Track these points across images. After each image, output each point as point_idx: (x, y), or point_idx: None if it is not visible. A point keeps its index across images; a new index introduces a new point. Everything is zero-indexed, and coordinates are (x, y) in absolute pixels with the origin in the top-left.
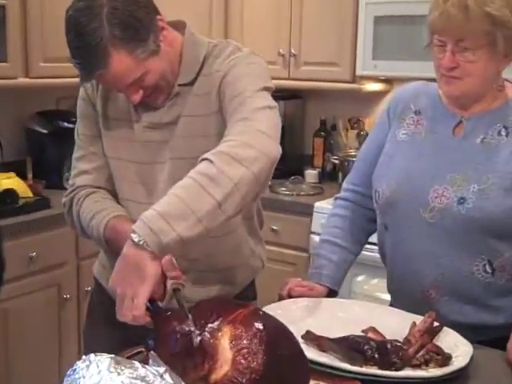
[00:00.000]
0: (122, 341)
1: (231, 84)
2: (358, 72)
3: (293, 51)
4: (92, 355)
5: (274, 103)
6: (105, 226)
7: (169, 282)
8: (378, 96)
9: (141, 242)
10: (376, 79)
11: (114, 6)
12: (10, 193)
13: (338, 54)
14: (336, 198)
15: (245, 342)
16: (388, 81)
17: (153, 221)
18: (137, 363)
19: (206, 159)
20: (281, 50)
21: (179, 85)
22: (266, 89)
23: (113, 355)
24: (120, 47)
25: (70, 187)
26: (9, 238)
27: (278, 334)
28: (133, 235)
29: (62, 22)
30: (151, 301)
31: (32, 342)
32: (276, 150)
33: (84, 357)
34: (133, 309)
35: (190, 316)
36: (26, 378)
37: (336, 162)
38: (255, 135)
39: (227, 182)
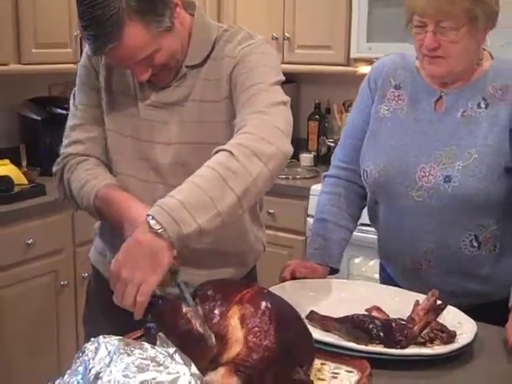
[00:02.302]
0: (122, 328)
1: (245, 73)
2: (353, 54)
3: (286, 35)
4: (101, 337)
5: (287, 98)
6: (95, 195)
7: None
8: None
9: (160, 231)
10: (370, 62)
11: None
12: (5, 180)
13: (332, 37)
14: (325, 176)
15: (255, 320)
16: None
17: (175, 210)
18: (146, 344)
19: (227, 151)
20: (274, 34)
21: (187, 66)
22: (279, 82)
23: (121, 337)
24: (136, 20)
25: (61, 155)
26: (5, 225)
27: (285, 311)
28: (151, 221)
29: (54, 8)
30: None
31: (30, 328)
32: (290, 148)
33: (93, 339)
34: (137, 295)
35: (193, 303)
36: (24, 363)
37: (331, 144)
38: (273, 132)
39: (247, 177)
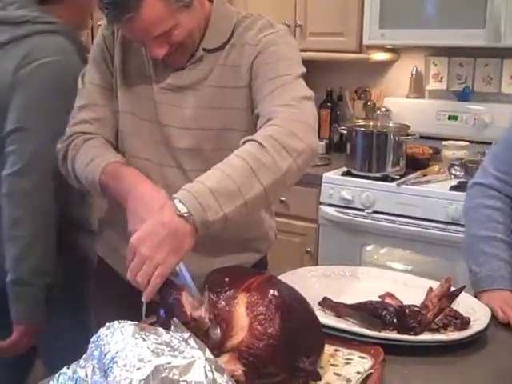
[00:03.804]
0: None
1: (270, 63)
2: (365, 41)
3: (298, 22)
4: (116, 322)
5: (312, 93)
6: (102, 171)
7: None
8: (384, 66)
9: (186, 215)
10: (383, 48)
11: None
12: None
13: (345, 24)
14: (478, 184)
15: (261, 308)
16: (395, 50)
17: (203, 196)
18: (161, 329)
19: (257, 142)
20: (286, 21)
21: (204, 49)
22: (303, 75)
23: (136, 322)
24: None
25: (66, 134)
26: None
27: (292, 300)
28: (179, 205)
29: None
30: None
31: None
32: (318, 144)
33: (108, 324)
34: (154, 275)
35: (196, 290)
36: None
37: (343, 132)
38: (303, 127)
39: (277, 171)
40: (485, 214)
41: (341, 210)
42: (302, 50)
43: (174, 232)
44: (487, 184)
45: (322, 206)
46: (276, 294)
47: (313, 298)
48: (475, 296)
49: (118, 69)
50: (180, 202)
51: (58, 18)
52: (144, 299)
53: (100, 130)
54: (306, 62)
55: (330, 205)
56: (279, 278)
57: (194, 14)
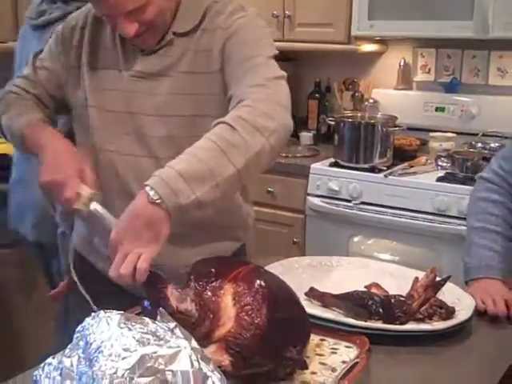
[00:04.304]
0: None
1: (241, 45)
2: (354, 32)
3: (287, 12)
4: (101, 312)
5: (284, 73)
6: (28, 124)
7: (85, 189)
8: (373, 57)
9: (158, 201)
10: (371, 40)
11: None
12: (3, 157)
13: (333, 15)
14: (479, 178)
15: (248, 298)
16: (383, 41)
17: (173, 180)
18: (147, 319)
19: (227, 124)
20: (275, 12)
21: (174, 33)
22: (275, 57)
23: (122, 311)
24: None
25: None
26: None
27: (279, 291)
28: (150, 192)
29: None
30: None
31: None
32: (291, 123)
33: (93, 313)
34: (139, 262)
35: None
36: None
37: (331, 123)
38: (275, 106)
39: (249, 151)
40: (480, 206)
41: (328, 200)
42: (291, 41)
43: (149, 221)
44: (487, 177)
45: (309, 197)
46: (262, 284)
47: (299, 289)
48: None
49: (85, 64)
50: (151, 188)
51: None
52: (138, 282)
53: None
54: (295, 53)
55: (318, 196)
56: (266, 268)
57: None
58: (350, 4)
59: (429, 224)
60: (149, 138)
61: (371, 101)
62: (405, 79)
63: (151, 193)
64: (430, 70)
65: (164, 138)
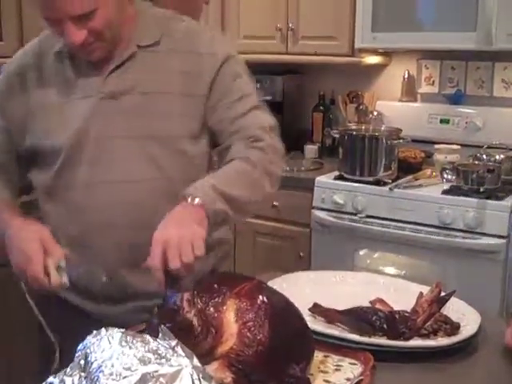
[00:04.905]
0: None
1: (233, 82)
2: (357, 45)
3: (290, 25)
4: (103, 330)
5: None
6: None
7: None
8: (377, 69)
9: (201, 203)
10: (375, 52)
11: None
12: None
13: (336, 28)
14: None
15: (250, 315)
16: (387, 53)
17: (210, 191)
18: (148, 337)
19: (248, 160)
20: (278, 25)
21: (138, 46)
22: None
23: (123, 329)
24: None
25: None
26: None
27: (282, 307)
28: (195, 198)
29: None
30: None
31: None
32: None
33: (95, 331)
34: (194, 249)
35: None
36: None
37: (336, 136)
38: (279, 156)
39: (262, 191)
40: None
41: (333, 214)
42: (295, 54)
43: (189, 211)
44: None
45: (314, 210)
46: (265, 300)
47: (303, 304)
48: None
49: (35, 103)
50: (192, 195)
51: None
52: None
53: None
54: (299, 66)
55: (323, 209)
56: (270, 283)
57: (116, 4)
58: (354, 16)
59: (434, 237)
60: (118, 161)
61: (375, 113)
62: (409, 91)
63: (196, 199)
64: (434, 81)
65: (142, 160)
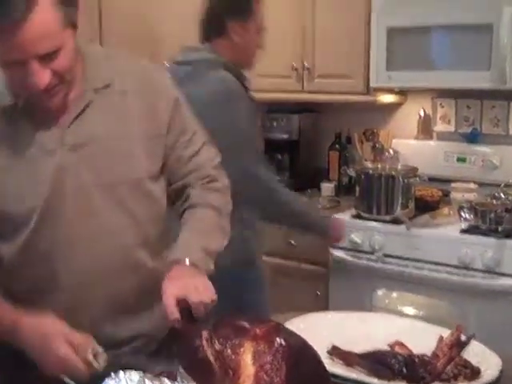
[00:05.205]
0: None
1: (186, 119)
2: (372, 84)
3: (306, 64)
4: (121, 372)
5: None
6: None
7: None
8: (392, 108)
9: (198, 264)
10: (390, 91)
11: None
12: None
13: (352, 66)
14: None
15: (267, 357)
16: (402, 92)
17: (200, 253)
18: (166, 379)
19: (213, 207)
20: (294, 64)
21: (95, 90)
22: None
23: (142, 372)
24: None
25: None
26: None
27: (299, 349)
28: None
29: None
30: (186, 309)
31: None
32: None
33: (113, 374)
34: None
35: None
36: None
37: (352, 174)
38: (229, 192)
39: (227, 234)
40: None
41: (351, 253)
42: (310, 92)
43: (187, 269)
44: None
45: (331, 249)
46: (283, 343)
47: (321, 346)
48: None
49: None
50: (187, 259)
51: (225, 54)
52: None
53: None
54: (315, 104)
55: (340, 248)
56: (287, 324)
57: (74, 44)
58: (368, 55)
59: (453, 277)
60: (99, 211)
61: (391, 151)
62: (425, 129)
63: (187, 259)
64: (449, 120)
65: (115, 206)
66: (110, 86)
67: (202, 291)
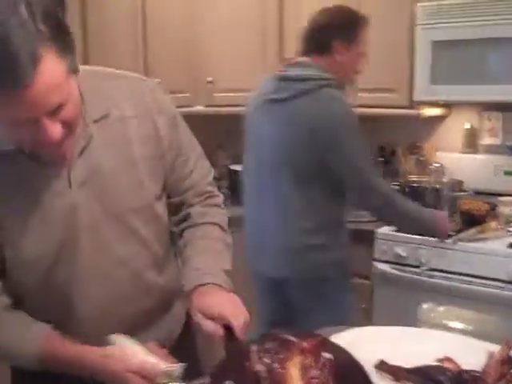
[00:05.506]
0: None
1: (184, 137)
2: (416, 97)
3: None
4: None
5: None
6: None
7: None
8: (436, 121)
9: (225, 286)
10: (434, 104)
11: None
12: None
13: (395, 80)
14: None
15: (315, 371)
16: (446, 105)
17: (223, 274)
18: None
19: (217, 225)
20: None
21: (95, 121)
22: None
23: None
24: (50, 48)
25: None
26: None
27: (347, 364)
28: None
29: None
30: (229, 328)
31: None
32: None
33: None
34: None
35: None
36: None
37: (397, 188)
38: (223, 208)
39: (230, 252)
40: None
41: (395, 266)
42: (354, 106)
43: (215, 290)
44: None
45: (375, 262)
46: (330, 357)
47: (368, 360)
48: None
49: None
50: (214, 282)
51: (330, 71)
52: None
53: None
54: (358, 118)
55: (384, 261)
56: (332, 337)
57: (77, 90)
58: (412, 69)
59: (501, 292)
60: (113, 242)
61: (436, 165)
62: (470, 142)
63: (210, 282)
64: (496, 133)
65: (128, 235)
66: (109, 115)
67: (236, 309)
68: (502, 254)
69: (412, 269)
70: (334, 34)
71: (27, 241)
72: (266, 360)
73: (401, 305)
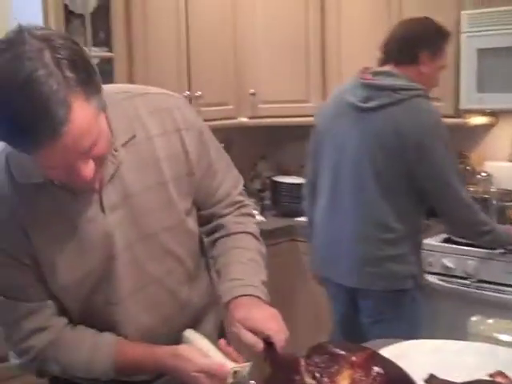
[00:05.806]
0: None
1: (211, 150)
2: (462, 106)
3: None
4: None
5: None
6: (115, 358)
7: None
8: (483, 130)
9: (264, 299)
10: (481, 112)
11: (54, 46)
12: None
13: (441, 89)
14: None
15: None
16: (494, 113)
17: (262, 286)
18: None
19: (251, 235)
20: None
21: (122, 145)
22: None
23: None
24: (78, 93)
25: (18, 350)
26: None
27: (397, 378)
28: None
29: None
30: (270, 342)
31: None
32: None
33: None
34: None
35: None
36: None
37: None
38: (254, 217)
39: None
40: None
41: (443, 278)
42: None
43: (255, 302)
44: None
45: (424, 274)
46: (380, 371)
47: (418, 375)
48: None
49: (34, 244)
50: (255, 295)
51: (413, 78)
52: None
53: (53, 321)
54: None
55: (432, 273)
56: (382, 351)
57: (107, 126)
58: (458, 78)
59: None
60: (149, 261)
61: (484, 174)
62: None
63: (250, 293)
64: None
65: (163, 255)
66: (135, 136)
67: (278, 325)
68: None
69: (460, 280)
70: (421, 44)
71: (64, 268)
72: (316, 374)
73: (449, 317)
